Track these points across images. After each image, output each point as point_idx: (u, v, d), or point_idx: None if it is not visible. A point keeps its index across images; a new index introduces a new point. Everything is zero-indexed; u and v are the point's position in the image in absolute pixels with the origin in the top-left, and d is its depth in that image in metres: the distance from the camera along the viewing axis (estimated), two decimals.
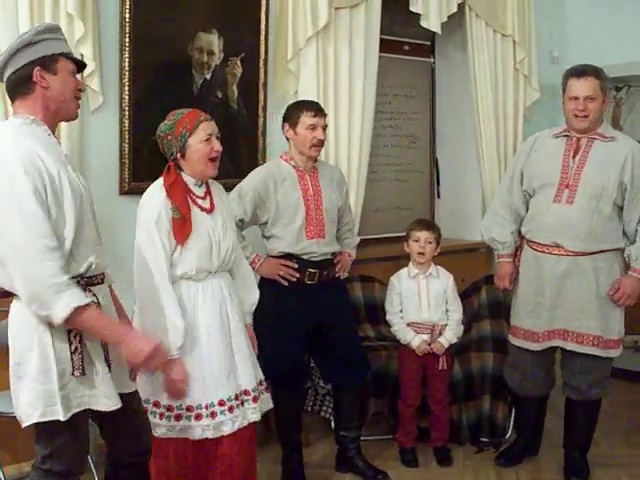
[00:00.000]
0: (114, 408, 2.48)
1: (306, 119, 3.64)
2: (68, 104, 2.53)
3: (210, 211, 3.09)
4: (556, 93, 5.72)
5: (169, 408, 3.02)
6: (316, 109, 3.69)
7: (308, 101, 3.85)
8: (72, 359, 2.40)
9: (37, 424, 2.41)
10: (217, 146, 3.05)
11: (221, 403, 3.03)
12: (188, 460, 3.12)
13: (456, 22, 5.21)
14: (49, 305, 2.28)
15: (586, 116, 3.62)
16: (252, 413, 3.11)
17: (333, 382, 4.01)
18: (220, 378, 3.05)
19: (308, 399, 4.36)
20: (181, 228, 2.96)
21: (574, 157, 3.67)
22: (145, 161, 4.02)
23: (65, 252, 2.36)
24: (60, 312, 2.28)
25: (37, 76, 2.42)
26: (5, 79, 2.47)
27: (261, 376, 3.25)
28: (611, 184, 3.58)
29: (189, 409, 3.01)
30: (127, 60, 3.91)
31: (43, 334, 2.38)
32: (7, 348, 2.49)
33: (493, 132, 5.26)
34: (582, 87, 3.62)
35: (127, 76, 3.92)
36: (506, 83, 5.37)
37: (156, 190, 3.04)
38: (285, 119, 3.75)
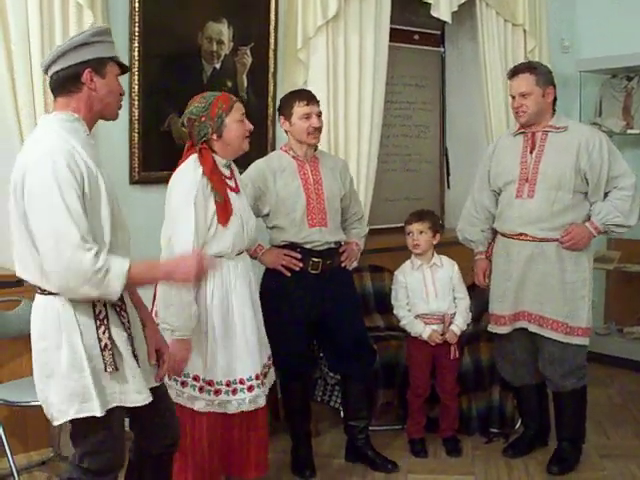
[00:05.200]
0: (145, 403, 2.48)
1: (299, 109, 3.65)
2: (112, 106, 2.55)
3: (237, 191, 3.24)
4: (567, 83, 5.73)
5: (209, 383, 3.15)
6: (308, 97, 3.69)
7: (299, 90, 3.87)
8: (103, 356, 2.40)
9: (73, 422, 2.41)
10: (249, 125, 3.23)
11: (257, 377, 3.19)
12: (218, 436, 3.24)
13: (466, 11, 5.18)
14: (102, 285, 2.30)
15: (524, 112, 3.75)
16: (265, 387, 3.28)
17: (340, 372, 4.02)
18: (255, 353, 3.20)
19: (317, 389, 4.36)
20: (224, 210, 3.11)
21: (531, 152, 3.80)
22: (155, 150, 4.03)
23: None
24: (116, 285, 2.31)
25: (87, 77, 2.42)
26: (51, 74, 2.46)
27: (269, 351, 3.38)
28: (568, 172, 3.70)
29: (227, 384, 3.16)
30: (137, 50, 3.92)
31: (72, 332, 2.37)
32: (21, 337, 2.49)
33: (503, 122, 5.23)
34: (514, 85, 3.79)
35: (137, 66, 3.93)
36: None
37: (190, 169, 3.12)
38: (279, 112, 3.77)
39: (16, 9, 3.45)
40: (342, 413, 4.11)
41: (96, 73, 2.44)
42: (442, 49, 5.91)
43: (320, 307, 3.72)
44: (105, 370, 2.40)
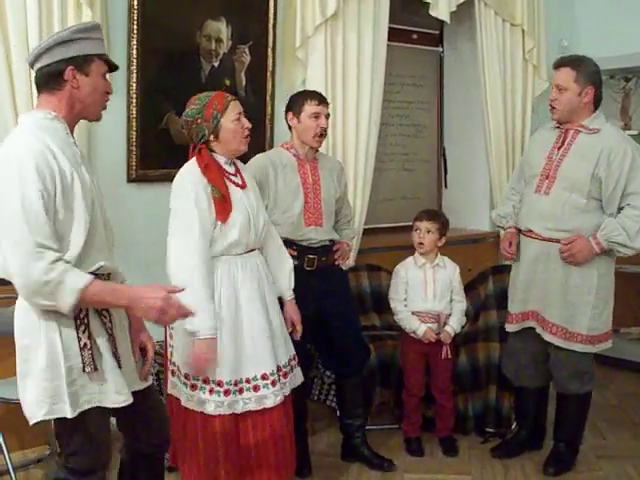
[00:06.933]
0: (124, 404, 2.45)
1: (310, 107, 3.67)
2: (94, 106, 2.50)
3: (243, 187, 3.22)
4: None
5: (219, 383, 3.11)
6: (320, 98, 3.72)
7: (311, 90, 3.88)
8: (82, 355, 2.37)
9: (56, 422, 2.40)
10: (247, 123, 3.18)
11: (264, 377, 3.16)
12: (232, 435, 3.17)
13: (465, 11, 5.17)
14: (53, 297, 2.24)
15: (555, 107, 3.66)
16: (282, 388, 3.23)
17: (333, 370, 4.05)
18: (264, 352, 3.16)
19: (314, 388, 4.36)
20: (222, 207, 3.08)
21: (559, 149, 3.72)
22: (152, 149, 4.02)
23: (72, 255, 2.33)
24: (67, 299, 2.24)
25: (69, 75, 2.39)
26: (36, 69, 2.43)
27: (293, 351, 3.35)
28: (584, 176, 3.59)
29: (235, 384, 3.12)
30: (135, 47, 3.92)
31: (50, 330, 2.35)
32: (12, 336, 2.47)
33: (501, 122, 5.24)
34: (555, 76, 3.69)
35: (135, 63, 3.93)
36: (515, 73, 5.34)
37: (189, 172, 3.13)
38: (289, 108, 3.76)
39: (14, 7, 3.43)
40: (338, 412, 4.11)
41: (79, 71, 2.40)
42: (440, 49, 5.90)
43: (315, 304, 3.72)
44: (83, 370, 2.37)
